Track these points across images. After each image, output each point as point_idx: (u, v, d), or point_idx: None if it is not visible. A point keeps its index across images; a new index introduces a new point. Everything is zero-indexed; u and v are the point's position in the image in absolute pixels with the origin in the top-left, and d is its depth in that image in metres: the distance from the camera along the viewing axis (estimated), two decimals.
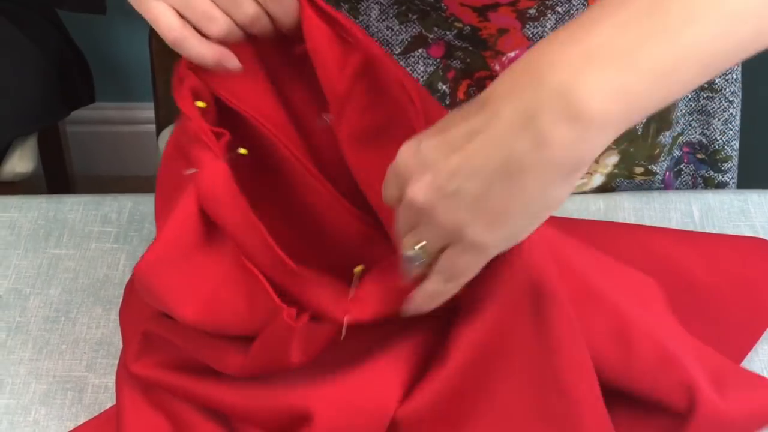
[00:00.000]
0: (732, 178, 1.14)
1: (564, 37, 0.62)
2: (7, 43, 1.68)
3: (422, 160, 0.66)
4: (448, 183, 0.64)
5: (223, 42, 0.79)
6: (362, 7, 0.94)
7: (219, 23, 0.78)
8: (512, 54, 0.97)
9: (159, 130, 1.62)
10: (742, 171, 1.16)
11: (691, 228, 1.02)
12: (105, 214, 1.06)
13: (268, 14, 0.79)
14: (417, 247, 0.68)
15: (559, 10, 0.94)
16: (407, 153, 0.67)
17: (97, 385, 0.91)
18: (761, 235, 1.03)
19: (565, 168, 0.62)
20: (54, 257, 1.02)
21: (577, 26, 0.62)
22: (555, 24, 0.96)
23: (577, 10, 0.95)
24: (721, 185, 1.13)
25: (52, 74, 1.73)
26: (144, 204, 1.06)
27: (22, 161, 1.73)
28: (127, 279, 0.95)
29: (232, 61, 0.80)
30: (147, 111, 2.09)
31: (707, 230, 1.02)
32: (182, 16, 0.78)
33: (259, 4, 0.78)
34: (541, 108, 0.60)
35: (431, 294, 0.71)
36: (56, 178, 2.00)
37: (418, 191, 0.66)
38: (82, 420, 0.89)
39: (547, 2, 0.92)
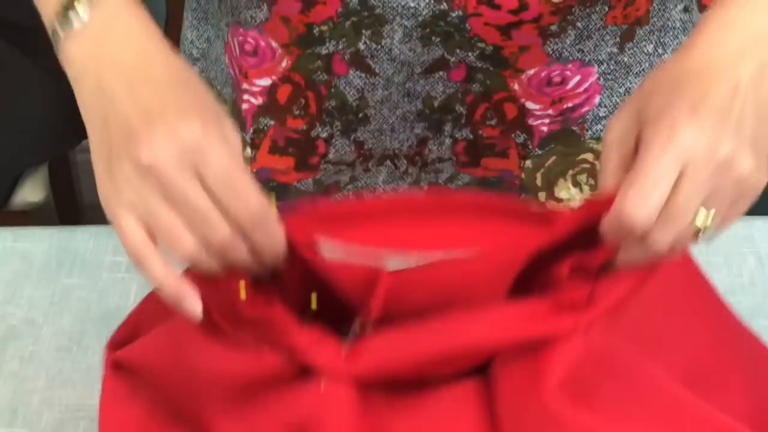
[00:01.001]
0: None
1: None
2: (17, 72, 1.70)
3: (713, 127, 0.72)
4: (742, 130, 0.72)
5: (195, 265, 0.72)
6: (385, 30, 0.94)
7: (188, 246, 0.70)
8: (531, 72, 0.98)
9: None
10: None
11: (695, 253, 1.02)
12: (116, 245, 1.06)
13: (254, 247, 0.72)
14: (710, 216, 0.73)
15: (579, 25, 0.95)
16: (691, 137, 0.71)
17: None
18: (765, 263, 1.04)
19: None
20: (66, 287, 1.03)
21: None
22: (574, 39, 0.96)
23: (595, 25, 0.96)
24: None
25: (63, 103, 1.74)
26: None
27: (33, 190, 1.74)
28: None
29: (189, 302, 0.72)
30: None
31: (711, 257, 1.02)
32: (150, 231, 0.71)
33: (239, 231, 0.72)
34: None
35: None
36: (66, 206, 2.01)
37: (726, 146, 0.72)
38: None
39: (568, 18, 0.93)
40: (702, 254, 1.03)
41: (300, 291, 0.76)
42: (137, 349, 0.81)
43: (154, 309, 0.87)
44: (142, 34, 0.77)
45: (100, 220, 1.18)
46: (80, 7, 0.76)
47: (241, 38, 1.01)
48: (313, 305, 0.76)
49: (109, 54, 0.75)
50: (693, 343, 0.84)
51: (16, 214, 1.76)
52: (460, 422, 0.77)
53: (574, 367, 0.74)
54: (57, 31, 0.77)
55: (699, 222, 0.73)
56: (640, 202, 0.71)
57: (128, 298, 1.01)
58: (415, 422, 0.77)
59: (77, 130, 1.79)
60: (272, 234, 0.73)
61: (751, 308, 1.01)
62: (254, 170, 1.08)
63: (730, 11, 0.77)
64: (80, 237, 1.07)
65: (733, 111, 0.73)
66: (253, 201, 0.71)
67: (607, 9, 0.96)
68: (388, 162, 1.07)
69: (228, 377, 0.78)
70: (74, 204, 2.01)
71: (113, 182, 0.73)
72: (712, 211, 0.73)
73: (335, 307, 0.76)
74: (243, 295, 0.73)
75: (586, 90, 1.02)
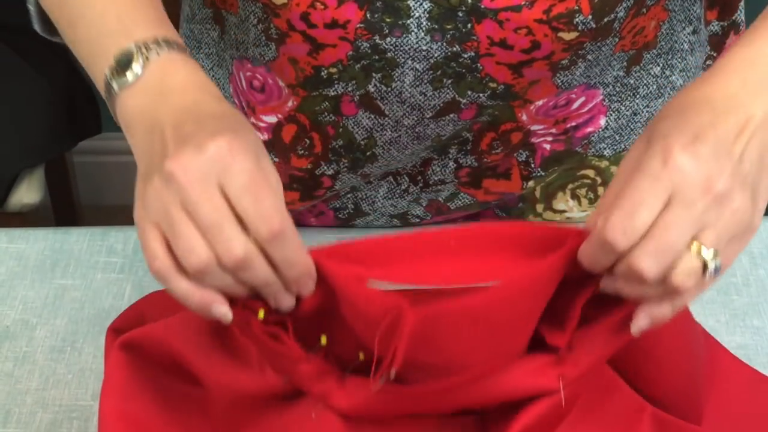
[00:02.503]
0: None
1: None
2: (13, 74, 1.70)
3: (712, 158, 0.71)
4: (741, 168, 0.71)
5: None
6: (396, 74, 0.93)
7: (199, 257, 0.70)
8: (540, 102, 0.97)
9: None
10: None
11: None
12: (110, 245, 1.07)
13: (275, 264, 0.72)
14: (710, 250, 0.71)
15: (590, 57, 0.95)
16: (687, 164, 0.70)
17: None
18: (758, 263, 1.04)
19: None
20: (60, 288, 1.03)
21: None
22: (584, 71, 0.96)
23: (606, 57, 0.96)
24: None
25: (59, 105, 1.74)
26: None
27: (29, 192, 1.74)
28: None
29: (217, 309, 0.72)
30: None
31: None
32: (172, 247, 0.71)
33: (257, 250, 0.71)
34: None
35: (694, 294, 0.73)
36: (63, 208, 2.01)
37: (723, 180, 0.70)
38: None
39: (579, 53, 0.93)
40: None
41: (310, 328, 0.76)
42: (149, 330, 0.81)
43: (161, 300, 0.88)
44: (195, 85, 0.77)
45: (97, 221, 1.18)
46: (135, 64, 0.77)
47: (249, 74, 1.01)
48: (323, 342, 0.76)
49: (163, 105, 0.76)
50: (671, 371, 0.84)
51: (12, 215, 1.77)
52: None
53: (536, 420, 0.76)
54: (111, 85, 0.78)
55: (705, 255, 0.70)
56: (622, 221, 0.70)
57: (122, 298, 1.02)
58: None
59: (74, 132, 1.80)
60: (292, 250, 0.72)
61: (744, 308, 1.01)
62: None
63: (753, 48, 0.77)
64: (74, 238, 1.07)
65: (737, 147, 0.72)
66: (273, 214, 0.70)
67: (617, 40, 0.95)
68: (390, 178, 1.06)
69: (229, 382, 0.79)
70: (71, 206, 2.02)
71: (143, 200, 0.73)
72: (712, 249, 0.71)
73: (344, 348, 0.76)
74: (261, 315, 0.74)
75: (589, 110, 1.01)
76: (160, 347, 0.81)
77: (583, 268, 0.73)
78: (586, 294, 0.75)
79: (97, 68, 0.80)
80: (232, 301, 0.73)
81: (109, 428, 0.81)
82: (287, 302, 0.74)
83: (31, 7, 0.87)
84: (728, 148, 0.71)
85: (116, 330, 0.90)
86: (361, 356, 0.76)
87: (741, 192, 0.71)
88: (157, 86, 0.77)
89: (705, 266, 0.71)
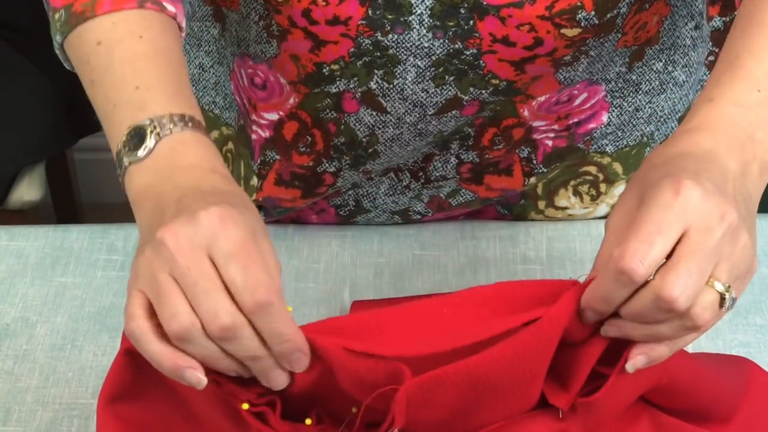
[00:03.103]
0: None
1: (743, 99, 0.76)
2: (14, 71, 1.69)
3: (718, 192, 0.71)
4: (739, 207, 0.71)
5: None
6: (398, 71, 0.92)
7: (181, 322, 0.68)
8: (542, 98, 0.97)
9: None
10: None
11: None
12: (111, 243, 1.06)
13: (263, 340, 0.70)
14: (724, 285, 0.70)
15: (592, 54, 0.94)
16: (699, 194, 0.70)
17: None
18: (761, 260, 1.04)
19: None
20: (60, 285, 1.03)
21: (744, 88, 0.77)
22: (586, 67, 0.96)
23: (608, 52, 0.96)
24: None
25: (60, 102, 1.74)
26: None
27: (30, 189, 1.74)
28: None
29: (190, 375, 0.70)
30: None
31: None
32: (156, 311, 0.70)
33: (246, 321, 0.69)
34: (754, 158, 0.75)
35: (706, 329, 0.72)
36: (64, 205, 2.01)
37: (733, 212, 0.70)
38: None
39: (582, 49, 0.92)
40: None
41: (300, 397, 0.75)
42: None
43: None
44: (203, 165, 0.76)
45: (98, 219, 1.18)
46: (148, 139, 0.76)
47: (250, 71, 1.00)
48: (308, 423, 0.75)
49: (169, 183, 0.75)
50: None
51: (13, 213, 1.76)
52: None
53: None
54: (122, 158, 0.77)
55: (719, 288, 0.69)
56: (639, 249, 0.68)
57: (123, 296, 1.01)
58: None
59: (75, 129, 1.80)
60: (279, 322, 0.69)
61: (747, 306, 1.01)
62: (260, 198, 1.07)
63: (717, 109, 0.76)
64: (75, 236, 1.07)
65: (728, 188, 0.72)
66: (260, 284, 0.69)
67: (619, 36, 0.95)
68: (392, 174, 1.06)
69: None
70: (72, 203, 2.01)
71: (134, 269, 0.72)
72: (726, 284, 0.70)
73: (336, 405, 0.75)
74: (245, 406, 0.72)
75: (592, 106, 1.01)
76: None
77: (584, 320, 0.72)
78: (592, 355, 0.74)
79: (111, 139, 0.79)
80: (218, 383, 0.72)
81: (106, 428, 0.80)
82: (280, 380, 0.72)
83: (58, 52, 0.86)
84: (723, 188, 0.71)
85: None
86: (354, 410, 0.75)
87: (745, 229, 0.71)
88: (166, 165, 0.76)
89: (722, 299, 0.70)
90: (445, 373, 0.70)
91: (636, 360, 0.72)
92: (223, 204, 0.71)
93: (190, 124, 0.77)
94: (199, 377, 0.70)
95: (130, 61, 0.79)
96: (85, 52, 0.82)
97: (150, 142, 0.76)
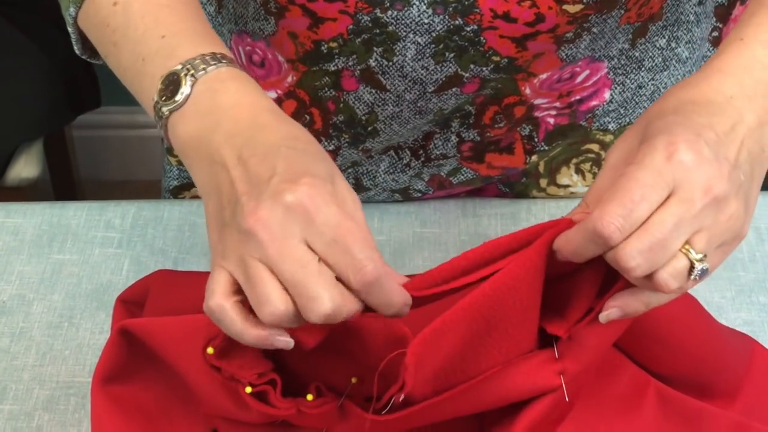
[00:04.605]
0: None
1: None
2: (13, 48, 1.69)
3: (714, 159, 0.69)
4: (738, 174, 0.70)
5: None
6: (398, 48, 0.91)
7: (275, 308, 0.67)
8: (543, 76, 0.96)
9: None
10: None
11: None
12: (108, 220, 1.06)
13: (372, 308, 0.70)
14: (699, 255, 0.69)
15: (595, 30, 0.93)
16: (692, 161, 0.68)
17: None
18: (765, 238, 1.03)
19: None
20: (57, 263, 1.02)
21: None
22: (589, 44, 0.95)
23: (611, 29, 0.95)
24: None
25: (58, 79, 1.73)
26: (147, 209, 1.06)
27: (27, 166, 1.73)
28: (130, 284, 0.94)
29: (282, 339, 0.69)
30: None
31: None
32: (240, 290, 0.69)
33: (344, 301, 0.68)
34: None
35: (674, 296, 0.72)
36: (62, 183, 2.00)
37: (723, 183, 0.69)
38: (85, 426, 0.89)
39: (584, 25, 0.91)
40: None
41: (300, 366, 0.75)
42: (150, 325, 0.80)
43: (167, 278, 0.87)
44: (247, 101, 0.74)
45: (97, 196, 1.17)
46: (183, 85, 0.74)
47: (248, 48, 0.99)
48: (309, 398, 0.74)
49: (217, 130, 0.73)
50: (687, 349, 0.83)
51: (11, 190, 1.76)
52: None
53: (542, 416, 0.75)
54: (161, 110, 0.75)
55: (693, 257, 0.68)
56: (620, 215, 0.67)
57: (120, 273, 1.01)
58: None
59: (73, 106, 1.79)
60: (387, 293, 0.69)
61: (751, 284, 1.01)
62: None
63: (748, 51, 0.75)
64: (72, 212, 1.06)
65: (733, 151, 0.71)
66: (364, 263, 0.67)
67: (623, 12, 0.94)
68: (392, 152, 1.05)
69: (223, 411, 0.78)
70: (70, 180, 2.01)
71: (222, 245, 0.70)
72: (702, 253, 0.69)
73: (335, 375, 0.75)
74: (248, 390, 0.72)
75: (594, 83, 1.00)
76: (159, 346, 0.79)
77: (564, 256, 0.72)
78: (589, 285, 0.73)
79: (145, 94, 0.77)
80: (219, 369, 0.72)
81: (100, 410, 0.80)
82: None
83: (71, 29, 0.85)
84: (726, 152, 0.70)
85: (124, 301, 0.89)
86: (354, 380, 0.74)
87: (736, 199, 0.70)
88: (210, 109, 0.74)
89: (692, 269, 0.69)
90: (443, 322, 0.70)
91: (610, 312, 0.72)
92: (301, 173, 0.69)
93: (223, 61, 0.75)
94: (287, 341, 0.69)
95: (151, 13, 0.78)
96: (103, 16, 0.81)
97: (186, 88, 0.74)
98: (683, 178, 0.68)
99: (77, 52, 0.89)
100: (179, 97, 0.74)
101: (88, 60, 0.91)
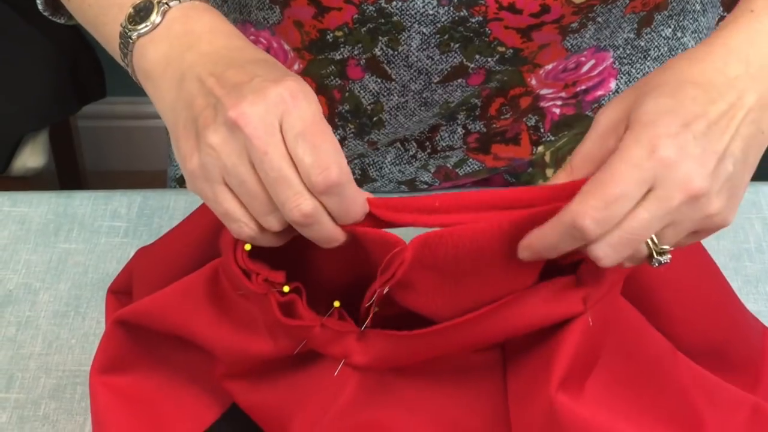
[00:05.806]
0: None
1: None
2: (18, 37, 1.69)
3: (699, 151, 0.68)
4: (724, 167, 0.68)
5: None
6: (403, 37, 0.91)
7: (273, 223, 0.70)
8: (549, 66, 0.96)
9: None
10: None
11: None
12: (114, 209, 1.06)
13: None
14: (663, 248, 0.69)
15: (600, 20, 0.93)
16: (673, 156, 0.67)
17: None
18: None
19: None
20: (64, 252, 1.02)
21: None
22: (594, 33, 0.94)
23: (616, 19, 0.95)
24: None
25: (64, 69, 1.73)
26: (153, 199, 1.06)
27: (33, 156, 1.73)
28: None
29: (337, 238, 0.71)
30: None
31: None
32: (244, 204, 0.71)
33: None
34: None
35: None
36: (67, 172, 2.01)
37: (704, 180, 0.67)
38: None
39: (589, 15, 0.91)
40: None
41: (323, 288, 0.76)
42: (144, 306, 0.80)
43: (146, 256, 0.87)
44: (221, 30, 0.74)
45: (102, 186, 1.17)
46: (155, 13, 0.74)
47: (252, 38, 0.99)
48: (336, 304, 0.75)
49: (190, 52, 0.73)
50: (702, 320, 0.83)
51: (16, 180, 1.76)
52: (480, 397, 0.78)
53: (574, 359, 0.73)
54: (129, 35, 0.74)
55: (654, 248, 0.69)
56: (599, 211, 0.66)
57: (126, 262, 1.00)
58: (431, 396, 0.78)
59: (78, 96, 1.79)
60: (349, 201, 0.69)
61: (758, 274, 1.00)
62: None
63: (756, 24, 0.73)
64: (78, 201, 1.06)
65: (723, 140, 0.69)
66: (330, 164, 0.67)
67: (628, 2, 0.93)
68: (398, 144, 1.05)
69: (239, 350, 0.78)
70: (75, 170, 2.01)
71: (200, 155, 0.69)
72: (667, 246, 0.69)
73: (317, 296, 0.76)
74: (286, 290, 0.73)
75: (599, 73, 1.00)
76: (158, 322, 0.79)
77: (520, 257, 0.71)
78: None
79: (110, 26, 0.76)
80: (252, 275, 0.72)
81: (99, 398, 0.80)
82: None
83: (41, 7, 0.84)
84: (716, 143, 0.68)
85: (114, 292, 0.89)
86: (336, 304, 0.74)
87: (718, 196, 0.68)
88: (181, 32, 0.73)
89: (651, 258, 0.69)
90: (448, 233, 0.69)
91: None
92: (284, 76, 0.69)
93: None
94: (340, 237, 0.71)
95: None
96: None
97: (157, 16, 0.74)
98: (663, 174, 0.67)
99: (39, 8, 0.88)
100: (150, 23, 0.74)
101: (50, 18, 0.90)
